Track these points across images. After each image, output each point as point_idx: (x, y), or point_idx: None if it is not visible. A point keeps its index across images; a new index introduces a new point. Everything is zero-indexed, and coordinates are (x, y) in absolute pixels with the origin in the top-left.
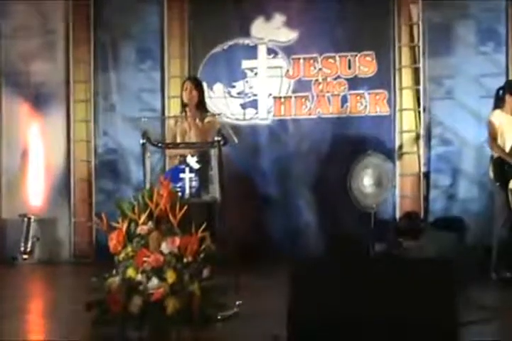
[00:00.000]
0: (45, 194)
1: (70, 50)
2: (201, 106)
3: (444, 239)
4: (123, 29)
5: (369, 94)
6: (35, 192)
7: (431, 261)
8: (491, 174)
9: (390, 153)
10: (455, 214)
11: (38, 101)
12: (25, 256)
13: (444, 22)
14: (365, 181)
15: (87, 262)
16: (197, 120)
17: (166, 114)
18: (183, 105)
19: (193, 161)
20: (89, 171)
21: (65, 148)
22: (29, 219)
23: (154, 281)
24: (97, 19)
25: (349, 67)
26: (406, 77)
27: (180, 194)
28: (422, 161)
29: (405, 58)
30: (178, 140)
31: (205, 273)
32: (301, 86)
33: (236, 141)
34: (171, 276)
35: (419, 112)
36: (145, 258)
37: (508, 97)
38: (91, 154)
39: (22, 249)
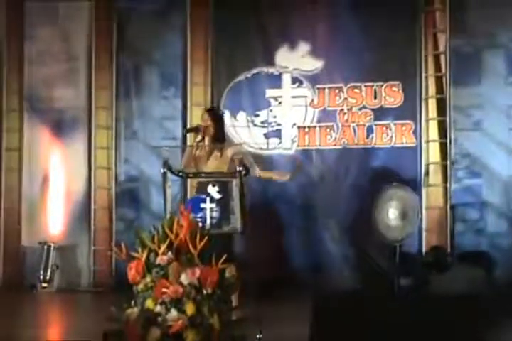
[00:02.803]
0: (65, 221)
1: (92, 76)
2: (218, 137)
3: (471, 274)
4: (146, 55)
5: (395, 124)
6: (55, 220)
7: (458, 296)
8: None
9: (416, 185)
10: (483, 248)
11: (60, 127)
12: (44, 284)
13: (472, 51)
14: (390, 213)
15: (106, 291)
16: (215, 151)
17: (188, 142)
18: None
19: (214, 191)
20: (110, 199)
21: (85, 175)
22: (49, 246)
23: (173, 313)
24: (120, 45)
25: (375, 97)
26: (432, 108)
27: (200, 224)
28: (449, 194)
29: (432, 88)
30: (194, 169)
31: (225, 305)
32: (326, 116)
33: (257, 173)
34: (190, 308)
35: (446, 144)
36: (164, 289)
37: None
38: (112, 182)
39: (41, 277)
